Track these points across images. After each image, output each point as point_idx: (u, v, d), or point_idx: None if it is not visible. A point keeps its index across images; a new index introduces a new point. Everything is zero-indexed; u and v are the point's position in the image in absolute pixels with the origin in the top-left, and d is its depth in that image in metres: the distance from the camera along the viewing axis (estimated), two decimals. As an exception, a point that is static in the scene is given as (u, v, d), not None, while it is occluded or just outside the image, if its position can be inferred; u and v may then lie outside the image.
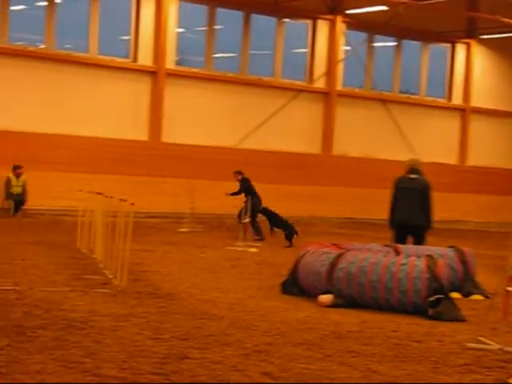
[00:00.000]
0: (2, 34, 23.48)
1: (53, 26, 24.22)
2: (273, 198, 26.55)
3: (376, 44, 30.22)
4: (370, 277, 10.60)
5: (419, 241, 14.24)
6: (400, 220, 14.28)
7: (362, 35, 29.69)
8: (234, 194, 20.47)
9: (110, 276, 11.75)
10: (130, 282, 11.30)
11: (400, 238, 14.23)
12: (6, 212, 22.15)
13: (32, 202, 22.46)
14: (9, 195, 22.28)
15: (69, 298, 9.87)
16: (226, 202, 23.52)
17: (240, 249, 17.29)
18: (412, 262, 10.64)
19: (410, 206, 14.34)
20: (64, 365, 6.70)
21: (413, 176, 14.58)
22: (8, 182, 22.26)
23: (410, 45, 31.05)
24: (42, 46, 24.40)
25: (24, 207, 22.35)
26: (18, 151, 22.89)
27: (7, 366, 6.55)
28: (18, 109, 23.40)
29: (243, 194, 20.33)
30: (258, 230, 19.74)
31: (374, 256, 10.95)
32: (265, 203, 26.04)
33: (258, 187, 25.88)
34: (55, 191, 23.07)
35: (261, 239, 19.38)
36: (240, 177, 20.45)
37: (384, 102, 30.03)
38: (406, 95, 31.04)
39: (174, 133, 25.67)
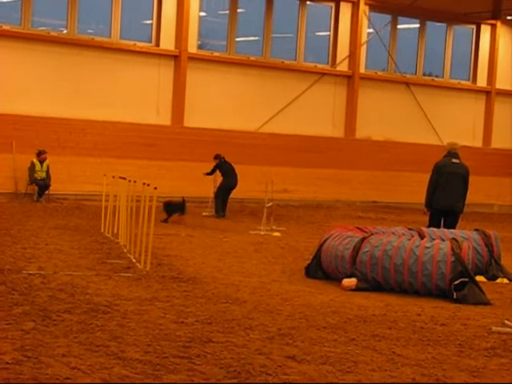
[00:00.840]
0: (25, 20, 23.52)
1: (75, 11, 24.22)
2: (296, 181, 26.59)
3: (400, 26, 29.99)
4: (394, 260, 10.58)
5: (454, 225, 14.27)
6: (444, 205, 14.30)
7: (386, 17, 29.46)
8: (208, 173, 21.64)
9: (134, 260, 11.81)
10: (154, 266, 11.35)
11: (437, 222, 14.29)
12: (30, 197, 22.29)
13: (56, 187, 22.56)
14: (33, 180, 22.40)
15: (93, 282, 9.93)
16: (248, 186, 23.55)
17: (263, 233, 17.31)
18: (436, 245, 10.60)
19: (454, 192, 14.38)
20: (89, 348, 6.75)
21: (455, 161, 14.56)
22: (32, 167, 22.37)
23: (434, 26, 30.78)
24: (65, 31, 24.42)
25: (48, 192, 22.46)
26: (41, 136, 22.98)
27: (33, 349, 6.61)
28: (41, 94, 23.47)
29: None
30: (219, 209, 20.81)
31: (398, 240, 10.92)
32: (287, 187, 26.17)
33: (281, 171, 25.95)
34: (79, 176, 23.17)
35: (217, 216, 20.55)
36: (217, 161, 21.48)
37: (407, 84, 29.83)
38: (430, 78, 30.80)
39: (197, 117, 25.65)
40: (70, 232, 15.37)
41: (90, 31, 25.05)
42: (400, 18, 29.84)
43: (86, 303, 8.57)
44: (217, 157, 21.57)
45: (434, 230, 13.03)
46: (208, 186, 21.89)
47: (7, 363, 6.17)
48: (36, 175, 22.35)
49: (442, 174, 14.40)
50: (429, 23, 30.53)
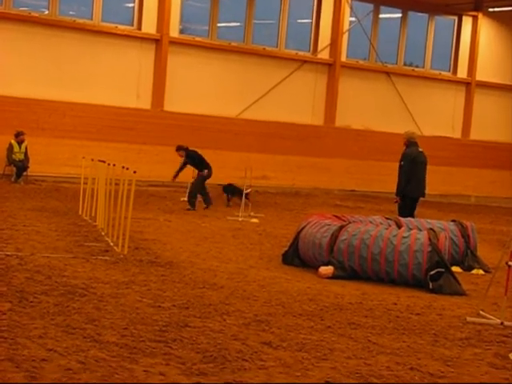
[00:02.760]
0: (7, 0, 23.33)
1: (57, -8, 24.07)
2: (274, 168, 26.60)
3: (381, 15, 29.99)
4: (371, 249, 10.64)
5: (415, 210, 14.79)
6: (420, 193, 14.78)
7: (368, 6, 29.45)
8: (178, 171, 19.39)
9: (112, 244, 11.80)
10: (131, 250, 11.35)
11: (412, 210, 14.62)
12: (8, 178, 22.16)
13: (34, 169, 22.45)
14: (11, 161, 22.26)
15: (70, 265, 9.92)
16: (227, 172, 23.53)
17: (241, 219, 17.32)
18: (413, 235, 10.67)
19: (424, 180, 14.91)
20: (65, 330, 6.75)
21: (420, 150, 14.94)
22: (10, 148, 22.22)
23: (416, 17, 30.81)
24: (46, 12, 24.25)
25: (26, 173, 22.33)
26: (20, 117, 22.84)
27: (10, 330, 6.60)
28: (20, 75, 23.31)
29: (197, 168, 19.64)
30: (194, 203, 18.78)
31: (375, 229, 10.98)
32: (266, 173, 26.12)
33: (260, 157, 25.96)
34: (58, 158, 23.06)
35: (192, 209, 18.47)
36: (183, 153, 19.31)
37: (388, 74, 29.88)
38: (411, 68, 30.85)
39: (177, 102, 25.57)
40: (48, 214, 15.31)
41: (71, 13, 24.86)
42: (382, 8, 29.85)
43: (62, 285, 8.56)
44: (181, 148, 19.41)
45: (411, 219, 13.12)
46: (186, 171, 21.83)
47: (-17, 344, 6.17)
48: (14, 156, 22.21)
49: (416, 163, 14.73)
50: (411, 13, 30.55)
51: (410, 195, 14.79)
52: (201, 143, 24.88)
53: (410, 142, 15.05)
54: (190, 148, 19.59)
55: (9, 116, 22.68)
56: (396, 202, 15.11)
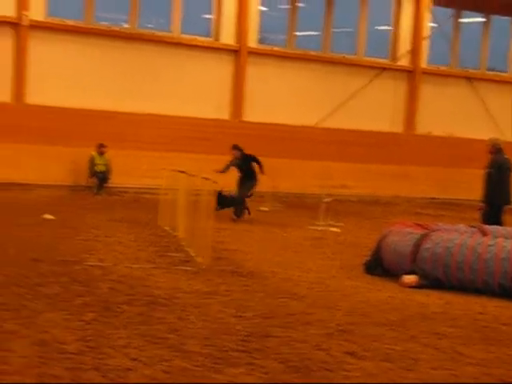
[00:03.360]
0: (88, 15, 23.79)
1: (136, 6, 24.42)
2: (354, 176, 26.44)
3: (463, 20, 29.63)
4: (455, 258, 10.45)
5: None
6: (508, 201, 14.64)
7: (449, 11, 29.13)
8: (223, 171, 17.77)
9: (193, 254, 11.85)
10: (213, 260, 11.37)
11: (498, 218, 14.41)
12: (90, 190, 22.53)
13: (115, 180, 22.79)
14: (93, 173, 22.66)
15: (152, 275, 10.01)
16: (307, 181, 23.52)
17: (321, 228, 17.25)
18: (500, 243, 10.45)
19: (510, 187, 14.77)
20: (149, 340, 6.81)
21: (506, 156, 14.82)
22: (92, 160, 22.63)
23: (499, 20, 30.32)
24: (126, 26, 24.66)
25: (107, 185, 22.69)
26: (101, 130, 23.21)
27: (95, 339, 6.69)
28: (102, 88, 23.72)
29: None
30: (242, 211, 17.92)
31: (459, 237, 10.79)
32: (346, 182, 25.95)
33: (339, 166, 25.83)
34: (138, 169, 23.36)
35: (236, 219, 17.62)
36: (238, 153, 18.21)
37: (470, 79, 29.47)
38: (494, 73, 30.38)
39: (256, 111, 25.67)
40: (129, 225, 15.50)
41: (150, 26, 25.25)
42: (464, 12, 29.45)
43: (145, 295, 8.65)
44: (238, 148, 18.38)
45: (499, 227, 12.86)
46: (265, 181, 21.83)
47: (70, 353, 6.27)
48: (96, 168, 22.60)
49: (503, 170, 14.60)
50: (494, 17, 30.07)
51: (496, 203, 14.61)
52: (279, 152, 24.97)
53: (496, 149, 14.86)
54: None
55: (90, 129, 23.09)
56: (480, 209, 14.89)
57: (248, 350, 6.70)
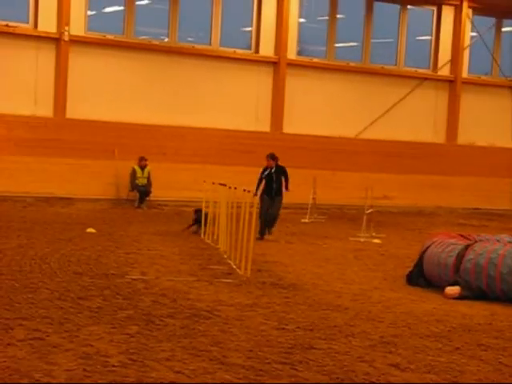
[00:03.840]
0: (128, 28, 24.01)
1: (176, 19, 24.59)
2: (396, 187, 26.33)
3: (504, 29, 29.40)
4: (499, 269, 10.36)
5: None
6: None
7: (490, 20, 28.93)
8: (257, 187, 16.40)
9: (234, 266, 11.90)
10: (254, 273, 11.41)
11: None
12: (131, 203, 22.69)
13: (156, 193, 22.92)
14: (134, 186, 22.81)
15: (194, 288, 10.06)
16: (348, 192, 23.46)
17: (363, 240, 17.20)
18: (544, 253, 10.34)
19: None
20: (192, 353, 6.84)
21: None
22: (133, 174, 22.80)
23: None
24: (166, 40, 24.85)
25: (149, 198, 22.83)
26: (142, 143, 23.38)
27: (138, 352, 6.74)
28: (142, 102, 23.90)
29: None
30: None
31: (503, 247, 10.69)
32: (387, 193, 25.84)
33: (380, 177, 25.74)
34: (179, 182, 23.47)
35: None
36: (274, 163, 16.58)
37: (512, 88, 29.24)
38: (536, 81, 30.10)
39: (296, 123, 25.67)
40: (171, 238, 15.59)
41: (190, 39, 25.41)
42: (505, 21, 29.23)
43: (188, 308, 8.69)
44: (274, 157, 16.66)
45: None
46: (306, 193, 21.84)
47: (113, 366, 6.32)
48: (137, 181, 22.76)
49: None
50: (535, 24, 29.80)
51: None
52: (320, 164, 24.96)
53: None
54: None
55: (131, 142, 23.27)
56: None
57: (291, 363, 6.70)
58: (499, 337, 8.18)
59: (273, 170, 16.43)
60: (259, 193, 16.09)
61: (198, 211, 16.37)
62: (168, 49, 24.42)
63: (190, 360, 6.62)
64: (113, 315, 8.14)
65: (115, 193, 23.17)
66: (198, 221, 16.34)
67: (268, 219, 16.31)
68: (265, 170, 16.56)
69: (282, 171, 16.57)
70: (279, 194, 16.48)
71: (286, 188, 16.59)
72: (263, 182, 16.47)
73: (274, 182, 16.37)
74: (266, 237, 16.29)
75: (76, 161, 22.56)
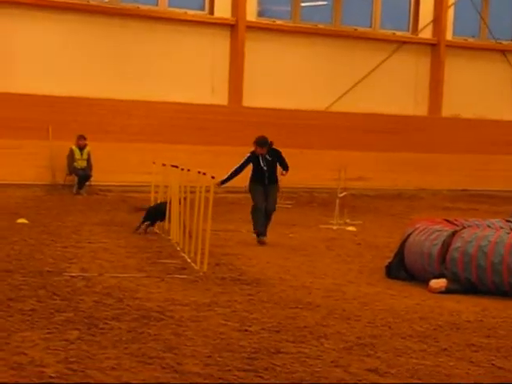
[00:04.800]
0: (61, -13, 23.87)
1: (117, -24, 24.51)
2: (372, 167, 26.46)
3: (493, -15, 29.69)
4: (491, 258, 10.45)
5: None
6: None
7: (476, -26, 29.19)
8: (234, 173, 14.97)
9: (189, 260, 11.89)
10: (212, 267, 11.41)
11: None
12: (69, 189, 22.58)
13: (98, 177, 22.83)
14: (72, 170, 22.69)
15: (143, 285, 10.03)
16: (318, 173, 23.53)
17: (335, 227, 17.28)
18: (541, 239, 10.46)
19: None
20: (141, 360, 6.82)
21: None
22: (71, 155, 22.66)
23: (534, -16, 30.37)
24: (107, 0, 24.68)
25: (89, 183, 22.73)
26: (80, 120, 23.26)
27: (79, 361, 6.70)
28: (79, 72, 23.74)
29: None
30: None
31: (495, 234, 10.79)
32: (363, 174, 25.96)
33: (355, 156, 25.85)
34: (124, 164, 23.40)
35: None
36: (266, 149, 14.91)
37: (503, 52, 29.47)
38: (530, 44, 30.41)
39: (257, 95, 25.70)
40: (116, 228, 15.54)
41: (134, -1, 25.29)
42: (494, -25, 29.48)
43: (136, 309, 8.66)
44: (266, 142, 14.96)
45: (536, 221, 12.89)
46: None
47: (50, 377, 6.27)
48: (76, 164, 22.63)
49: None
50: (527, -20, 30.06)
51: None
52: (287, 141, 24.89)
53: None
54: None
55: (67, 119, 23.13)
56: None
57: (255, 369, 6.71)
58: (491, 335, 8.26)
59: (264, 156, 14.86)
60: (244, 183, 14.98)
61: (152, 207, 15.39)
62: (109, 10, 24.26)
63: (138, 368, 6.60)
64: (49, 319, 8.09)
65: (50, 177, 23.05)
66: (147, 218, 15.19)
67: (266, 214, 14.88)
68: (252, 155, 14.91)
69: (276, 155, 15.02)
70: (274, 181, 15.09)
71: (285, 169, 15.17)
72: (244, 168, 14.92)
73: (265, 168, 14.89)
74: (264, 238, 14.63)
75: (4, 141, 22.38)
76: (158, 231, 14.96)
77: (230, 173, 14.72)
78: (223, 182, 14.52)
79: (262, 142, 14.95)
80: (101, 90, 23.74)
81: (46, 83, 23.17)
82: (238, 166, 14.87)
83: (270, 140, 14.99)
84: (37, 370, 6.43)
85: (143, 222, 15.10)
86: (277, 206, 15.31)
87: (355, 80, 27.10)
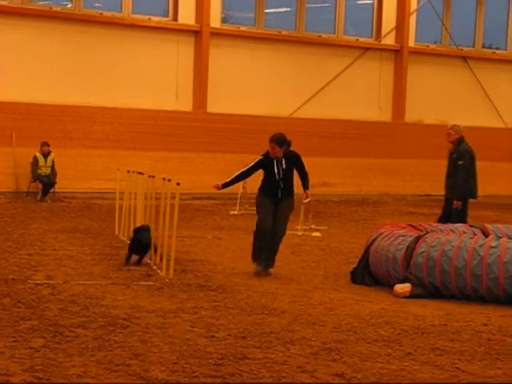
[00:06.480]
0: (24, -7, 23.75)
1: (80, -17, 24.43)
2: (336, 173, 26.55)
3: (454, -8, 29.92)
4: (454, 262, 10.53)
5: None
6: (476, 194, 14.99)
7: (438, -19, 29.40)
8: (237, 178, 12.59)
9: (155, 267, 11.87)
10: (178, 274, 11.40)
11: (466, 215, 14.75)
12: (33, 196, 22.45)
13: (62, 184, 22.72)
14: (36, 177, 22.56)
15: (109, 293, 9.99)
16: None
17: (300, 233, 17.31)
18: (503, 244, 10.54)
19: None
20: (108, 367, 6.80)
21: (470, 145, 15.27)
22: (35, 162, 22.53)
23: (495, -8, 30.65)
24: (69, 6, 24.58)
25: (53, 190, 22.61)
26: (44, 127, 23.15)
27: (45, 369, 6.66)
28: (42, 78, 23.62)
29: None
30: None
31: (458, 238, 10.86)
32: (327, 180, 25.98)
33: (319, 162, 25.91)
34: (88, 171, 23.32)
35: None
36: (282, 150, 12.09)
37: (465, 58, 29.69)
38: (491, 50, 30.64)
39: (222, 101, 25.70)
40: (81, 235, 15.47)
41: (97, 5, 25.19)
42: (455, -17, 29.71)
43: (102, 316, 8.63)
44: (284, 142, 12.11)
45: (500, 226, 12.98)
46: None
47: (16, 386, 6.25)
48: (40, 171, 22.51)
49: (473, 161, 14.99)
50: (488, -12, 30.35)
51: (470, 197, 14.91)
52: (250, 148, 24.93)
53: (462, 137, 15.23)
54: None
55: (31, 125, 23.01)
56: (457, 206, 14.92)
57: (221, 375, 6.71)
58: (455, 339, 8.32)
59: (280, 160, 12.15)
60: (258, 191, 12.39)
61: (139, 231, 12.56)
62: (72, 16, 24.17)
63: (105, 376, 6.58)
64: (14, 327, 8.04)
65: (14, 185, 22.90)
66: (134, 247, 12.37)
67: (273, 239, 12.16)
68: (265, 157, 12.28)
69: (294, 160, 12.29)
70: (288, 194, 12.30)
71: (306, 187, 12.59)
72: (252, 173, 12.42)
73: (280, 176, 12.16)
74: (262, 270, 12.09)
75: (-34, 148, 22.24)
76: (123, 238, 14.90)
77: (234, 176, 12.36)
78: (225, 185, 12.22)
79: (280, 139, 12.10)
80: (64, 96, 23.63)
81: (9, 90, 23.03)
82: (245, 169, 12.33)
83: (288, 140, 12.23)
84: (2, 379, 6.38)
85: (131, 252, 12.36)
86: (284, 228, 12.29)
87: (319, 86, 27.19)
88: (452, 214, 14.66)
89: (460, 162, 14.96)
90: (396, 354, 7.66)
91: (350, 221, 20.54)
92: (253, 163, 12.24)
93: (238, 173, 12.36)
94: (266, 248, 12.10)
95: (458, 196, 14.69)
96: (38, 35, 23.71)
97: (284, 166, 12.10)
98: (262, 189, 12.28)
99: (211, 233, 16.80)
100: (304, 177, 12.42)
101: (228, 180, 12.26)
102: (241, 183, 21.21)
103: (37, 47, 23.69)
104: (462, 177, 14.81)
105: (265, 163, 12.14)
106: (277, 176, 12.08)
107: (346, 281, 11.82)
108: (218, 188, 12.29)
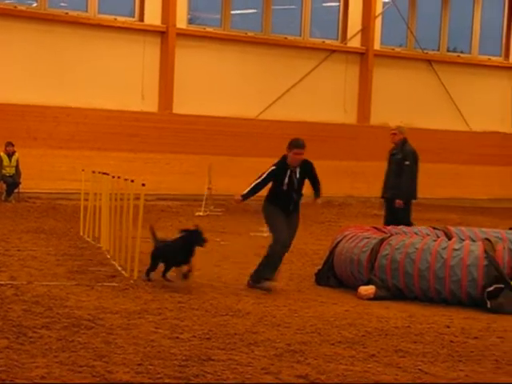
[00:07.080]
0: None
1: (46, -18, 24.29)
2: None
3: (419, -5, 30.08)
4: (418, 265, 10.59)
5: None
6: (416, 196, 15.02)
7: (403, -15, 29.56)
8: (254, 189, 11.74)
9: (119, 268, 11.84)
10: (142, 275, 11.36)
11: (410, 217, 14.80)
12: (-4, 196, 22.32)
13: (26, 185, 22.57)
14: (0, 177, 22.41)
15: (73, 294, 9.96)
16: (247, 181, 23.55)
17: (266, 234, 17.29)
18: (466, 247, 10.63)
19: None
20: (71, 369, 6.78)
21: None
22: (-1, 162, 22.42)
23: (460, -5, 30.85)
24: (34, 5, 24.45)
25: (18, 190, 22.46)
26: (8, 126, 22.99)
27: (8, 370, 6.62)
28: (7, 77, 23.48)
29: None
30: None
31: (422, 241, 10.94)
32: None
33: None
34: (53, 171, 23.19)
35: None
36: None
37: (430, 62, 29.86)
38: (456, 54, 30.84)
39: (187, 103, 25.66)
40: (45, 236, 15.39)
41: (63, 5, 25.07)
42: (420, -14, 29.88)
43: (65, 317, 8.60)
44: (302, 145, 11.82)
45: (463, 229, 13.07)
46: (200, 182, 21.87)
47: (-21, 387, 6.22)
48: (4, 171, 22.36)
49: (417, 161, 15.05)
50: (453, -9, 30.55)
51: (412, 198, 14.97)
52: (216, 149, 25.02)
53: (405, 138, 15.33)
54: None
55: (-4, 125, 22.85)
56: (399, 207, 14.94)
57: (186, 377, 6.71)
58: (418, 341, 8.37)
59: (295, 170, 11.53)
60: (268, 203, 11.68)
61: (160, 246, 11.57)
62: (37, 15, 24.03)
63: (69, 377, 6.56)
64: (-23, 328, 8.00)
65: (-23, 184, 22.72)
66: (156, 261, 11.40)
67: (284, 251, 11.53)
68: (280, 166, 11.50)
69: (308, 170, 11.86)
70: (298, 208, 11.83)
71: (318, 195, 11.98)
72: (266, 185, 11.60)
73: (294, 187, 11.51)
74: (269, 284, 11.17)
75: None
76: (88, 239, 14.85)
77: (250, 188, 11.51)
78: (244, 197, 11.53)
79: (302, 144, 11.65)
80: (28, 96, 23.49)
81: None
82: (258, 180, 11.49)
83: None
84: (-36, 381, 6.36)
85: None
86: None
87: (285, 88, 27.23)
88: (398, 215, 14.60)
89: (406, 163, 15.02)
90: (360, 355, 7.70)
91: (315, 223, 20.57)
92: (266, 174, 11.42)
93: (253, 184, 11.47)
94: (278, 264, 11.41)
95: (401, 196, 14.70)
96: (2, 34, 23.54)
97: (298, 176, 11.49)
98: (270, 200, 11.57)
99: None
100: (317, 185, 11.90)
101: (245, 192, 11.48)
102: (206, 185, 21.33)
103: (1, 46, 23.52)
104: (408, 177, 14.87)
105: (277, 174, 11.39)
106: (290, 187, 11.40)
107: (311, 282, 11.86)
108: (238, 202, 11.85)
